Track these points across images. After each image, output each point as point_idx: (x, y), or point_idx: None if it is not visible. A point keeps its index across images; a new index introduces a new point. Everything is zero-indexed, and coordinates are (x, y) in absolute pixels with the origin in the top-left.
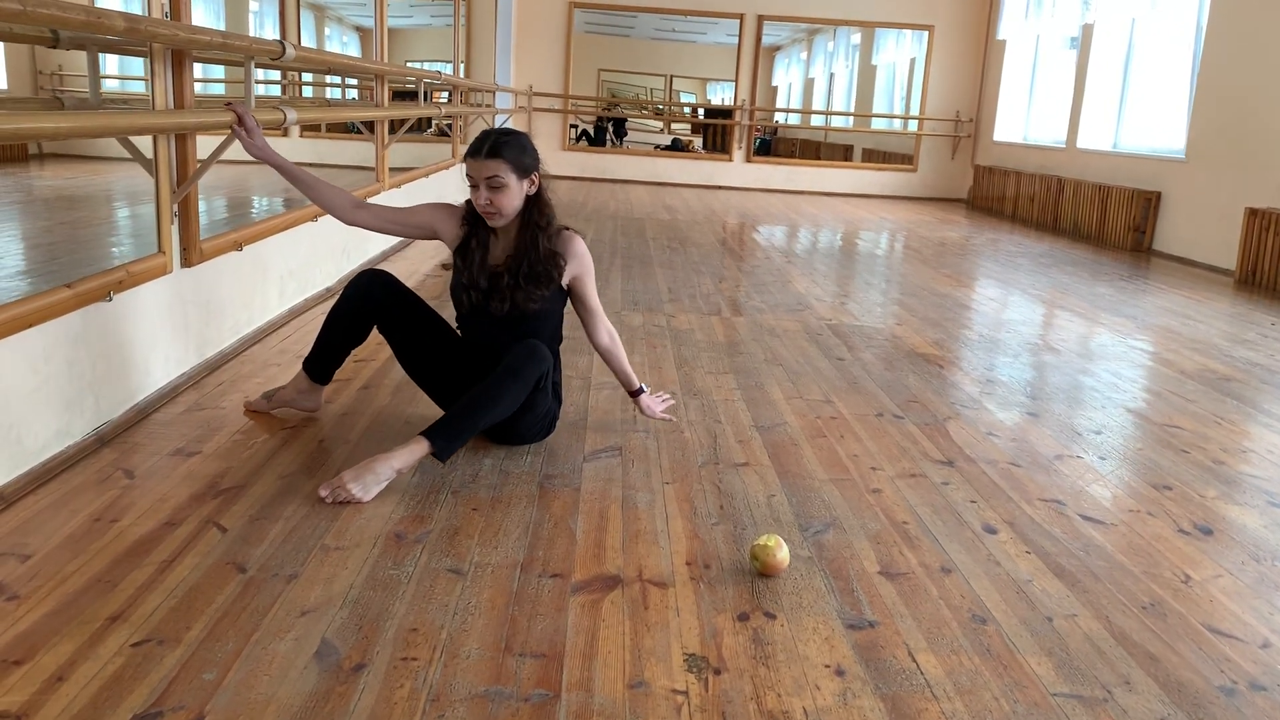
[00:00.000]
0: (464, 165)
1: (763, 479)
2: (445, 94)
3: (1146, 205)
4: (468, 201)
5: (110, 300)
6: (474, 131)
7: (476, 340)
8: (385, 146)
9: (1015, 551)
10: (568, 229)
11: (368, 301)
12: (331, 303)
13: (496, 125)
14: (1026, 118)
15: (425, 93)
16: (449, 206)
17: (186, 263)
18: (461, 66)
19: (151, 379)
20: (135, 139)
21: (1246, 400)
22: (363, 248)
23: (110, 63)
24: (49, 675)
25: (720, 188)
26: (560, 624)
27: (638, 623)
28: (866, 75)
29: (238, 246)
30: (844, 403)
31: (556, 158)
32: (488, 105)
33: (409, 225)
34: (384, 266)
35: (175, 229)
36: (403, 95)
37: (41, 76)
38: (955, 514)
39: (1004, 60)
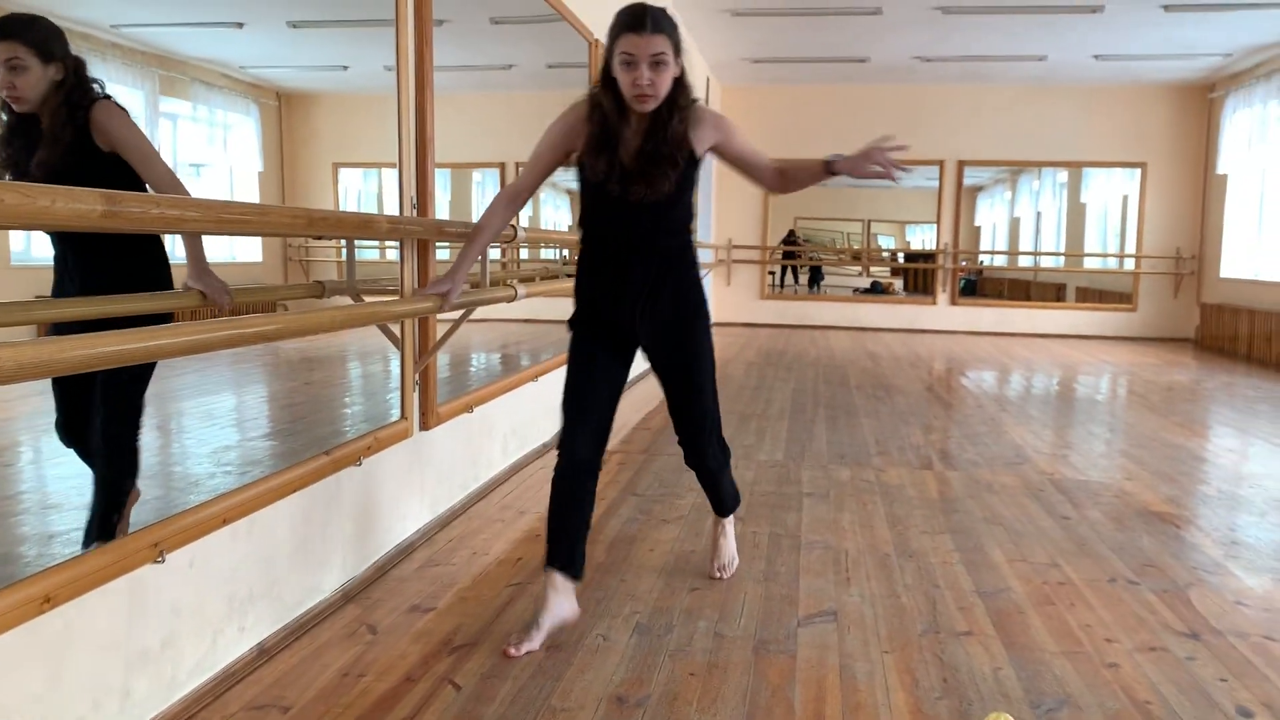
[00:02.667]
0: (620, 42)
1: (987, 650)
2: None
3: None
4: (591, 95)
5: (360, 465)
6: None
7: (615, 236)
8: None
9: None
10: (695, 100)
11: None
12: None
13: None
14: (1257, 252)
15: None
16: (564, 117)
17: (424, 426)
18: None
19: (390, 536)
20: None
21: None
22: None
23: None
24: None
25: (924, 331)
26: None
27: None
28: (1075, 212)
29: (469, 409)
30: (1072, 566)
31: (755, 306)
32: None
33: (552, 164)
34: None
35: (416, 396)
36: None
37: (291, 248)
38: (1204, 694)
39: (1226, 193)
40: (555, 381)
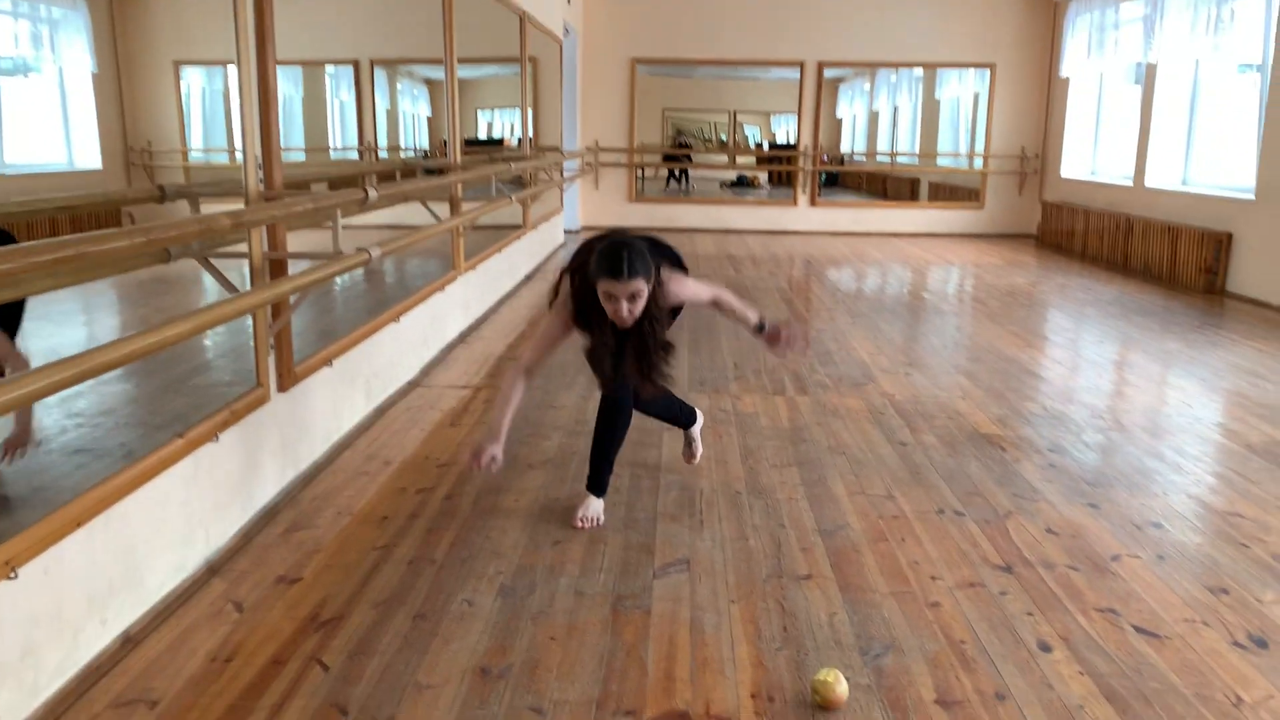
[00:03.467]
0: (600, 284)
1: (825, 593)
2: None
3: (1218, 246)
4: (572, 306)
5: (218, 440)
6: (549, 198)
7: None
8: (460, 236)
9: (1069, 672)
10: (666, 274)
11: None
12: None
13: (563, 185)
14: (1093, 155)
15: (495, 181)
16: (561, 317)
17: (282, 388)
18: (530, 119)
19: (253, 502)
20: (230, 271)
21: None
22: (442, 334)
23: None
24: None
25: (785, 233)
26: None
27: None
28: (930, 109)
29: (328, 363)
30: (906, 498)
31: (624, 210)
32: (556, 165)
33: (558, 345)
34: (464, 348)
35: (272, 360)
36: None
37: (132, 153)
38: (1011, 630)
39: (1068, 97)
40: (417, 319)
